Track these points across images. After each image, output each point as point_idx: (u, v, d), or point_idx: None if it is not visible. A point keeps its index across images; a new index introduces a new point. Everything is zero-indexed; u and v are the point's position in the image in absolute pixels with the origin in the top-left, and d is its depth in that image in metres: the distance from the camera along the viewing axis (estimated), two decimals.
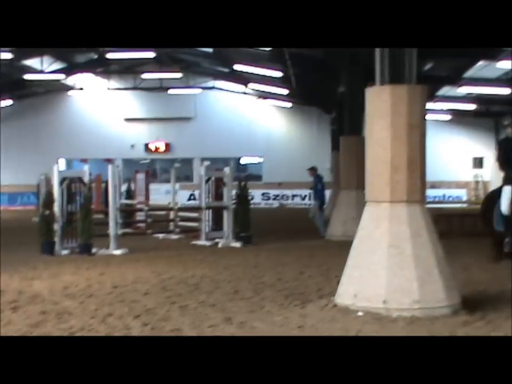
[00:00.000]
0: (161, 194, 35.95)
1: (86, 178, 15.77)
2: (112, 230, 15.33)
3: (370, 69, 8.85)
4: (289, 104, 39.21)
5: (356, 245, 8.40)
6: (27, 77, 33.61)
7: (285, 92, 33.24)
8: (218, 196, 17.44)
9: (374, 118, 8.28)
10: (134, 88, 40.31)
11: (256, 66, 28.29)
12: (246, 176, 37.23)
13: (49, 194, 15.11)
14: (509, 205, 9.26)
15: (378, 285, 7.81)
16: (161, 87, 39.52)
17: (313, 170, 19.77)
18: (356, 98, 17.22)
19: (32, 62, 32.52)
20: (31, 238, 17.18)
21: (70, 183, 15.40)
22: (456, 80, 24.85)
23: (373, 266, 7.95)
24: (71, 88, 40.64)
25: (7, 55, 27.25)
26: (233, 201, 17.23)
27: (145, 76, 37.15)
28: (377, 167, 8.22)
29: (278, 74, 27.45)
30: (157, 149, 41.43)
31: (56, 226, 14.94)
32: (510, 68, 24.06)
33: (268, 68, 27.61)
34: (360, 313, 7.70)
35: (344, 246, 9.61)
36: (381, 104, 8.15)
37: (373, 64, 8.40)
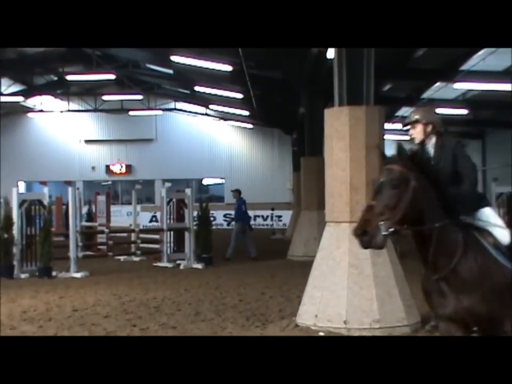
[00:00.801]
0: (122, 216, 35.77)
1: (46, 201, 15.62)
2: (72, 252, 15.16)
3: (330, 90, 8.96)
4: (250, 125, 39.36)
5: (317, 265, 8.44)
6: None
7: (246, 113, 33.37)
8: (180, 217, 17.39)
9: (332, 139, 8.37)
10: (95, 110, 40.07)
11: (216, 87, 28.37)
12: (208, 197, 37.18)
13: (8, 217, 14.90)
14: None
15: (339, 305, 7.85)
16: (122, 109, 39.37)
17: (237, 192, 19.98)
18: (316, 119, 17.34)
19: None
20: None
21: (30, 206, 15.23)
22: (415, 101, 25.21)
23: (334, 287, 8.00)
24: (30, 110, 40.25)
25: None
26: (195, 223, 17.20)
27: (106, 97, 36.99)
28: (337, 187, 8.30)
29: (239, 95, 27.57)
30: (118, 170, 41.18)
31: (15, 249, 14.73)
32: (466, 89, 24.56)
33: (229, 90, 27.71)
34: (321, 334, 7.73)
35: (306, 266, 9.67)
36: (339, 125, 8.25)
37: (332, 85, 8.51)
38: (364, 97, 8.19)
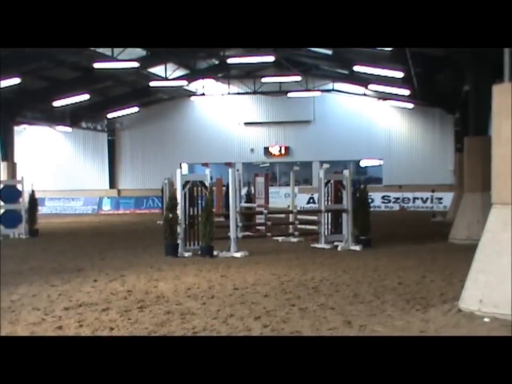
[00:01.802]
0: (280, 197, 36.31)
1: (207, 182, 16.09)
2: (232, 232, 15.53)
3: (498, 65, 8.49)
4: (410, 105, 38.42)
5: (482, 249, 8.08)
6: (152, 84, 34.72)
7: (406, 92, 32.61)
8: (337, 199, 17.30)
9: (501, 117, 7.94)
10: (254, 93, 40.76)
11: (376, 67, 27.91)
12: (366, 179, 36.80)
13: (173, 198, 15.50)
14: None
15: (506, 291, 7.46)
16: (280, 91, 39.75)
17: None
18: (481, 97, 16.62)
19: (157, 70, 33.56)
20: (156, 240, 17.73)
21: (192, 187, 15.75)
22: None
23: (500, 271, 7.61)
24: (193, 93, 41.63)
25: (134, 64, 28.26)
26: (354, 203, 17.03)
27: (265, 79, 37.48)
28: (505, 168, 7.87)
29: (399, 74, 26.99)
30: (276, 152, 41.69)
31: (179, 229, 15.31)
32: None
33: (389, 68, 27.18)
34: (486, 319, 7.39)
35: (468, 250, 9.31)
36: (509, 102, 7.81)
37: (501, 60, 8.06)
38: None
